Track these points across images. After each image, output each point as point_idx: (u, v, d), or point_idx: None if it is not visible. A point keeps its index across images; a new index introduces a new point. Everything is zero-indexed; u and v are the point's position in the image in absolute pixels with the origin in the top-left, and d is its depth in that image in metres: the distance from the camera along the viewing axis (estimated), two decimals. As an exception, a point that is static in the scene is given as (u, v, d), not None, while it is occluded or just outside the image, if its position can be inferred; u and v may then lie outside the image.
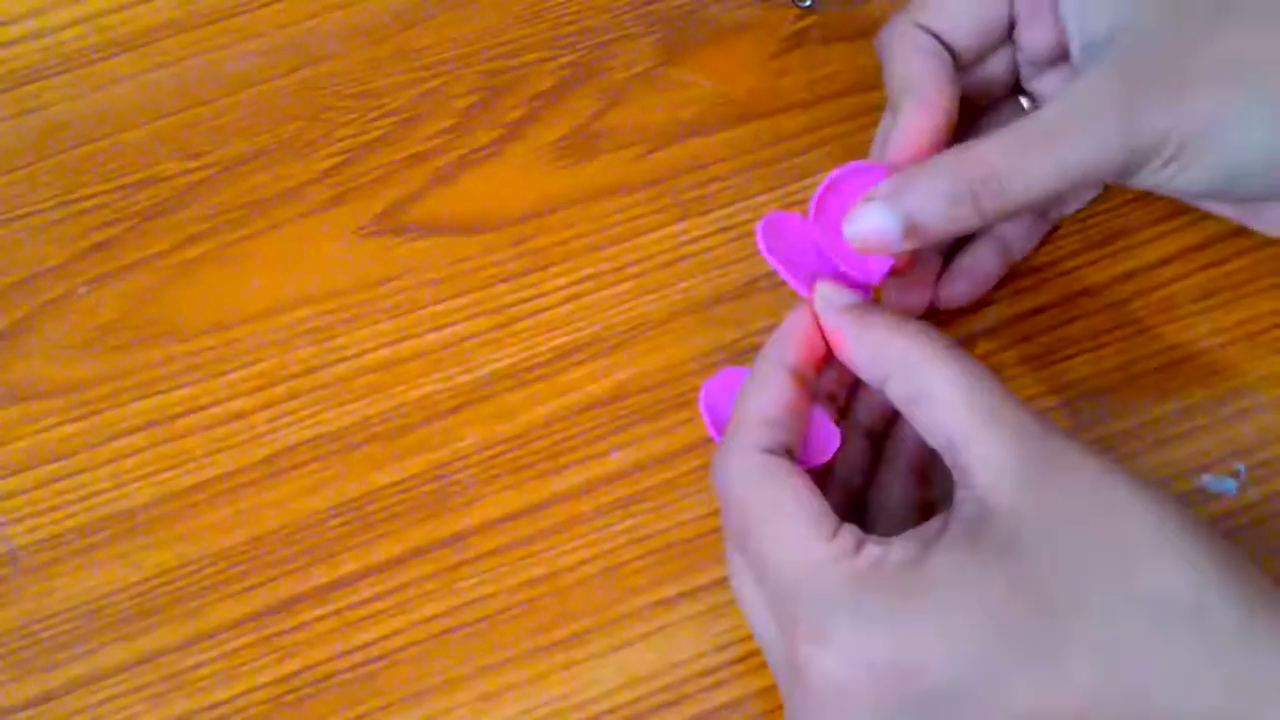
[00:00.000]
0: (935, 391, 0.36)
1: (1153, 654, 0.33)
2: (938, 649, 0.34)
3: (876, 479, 0.43)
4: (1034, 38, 0.44)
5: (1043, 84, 0.46)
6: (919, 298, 0.45)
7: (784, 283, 0.47)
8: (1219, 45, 0.39)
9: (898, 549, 0.35)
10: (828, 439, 0.40)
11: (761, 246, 0.40)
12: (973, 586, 0.34)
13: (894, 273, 0.42)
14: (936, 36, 0.44)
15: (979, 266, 0.46)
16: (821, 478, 0.37)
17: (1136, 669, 0.33)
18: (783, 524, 0.36)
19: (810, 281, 0.40)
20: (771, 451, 0.37)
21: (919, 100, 0.43)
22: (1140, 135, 0.39)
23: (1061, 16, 0.43)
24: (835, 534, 0.36)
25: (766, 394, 0.38)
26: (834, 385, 0.42)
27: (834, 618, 0.35)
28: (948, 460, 0.37)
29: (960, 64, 0.44)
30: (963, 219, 0.39)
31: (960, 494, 0.36)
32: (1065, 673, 0.33)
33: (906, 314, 0.39)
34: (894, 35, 0.44)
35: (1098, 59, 0.40)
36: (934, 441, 0.37)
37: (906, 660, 0.34)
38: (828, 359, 0.40)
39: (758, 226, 0.41)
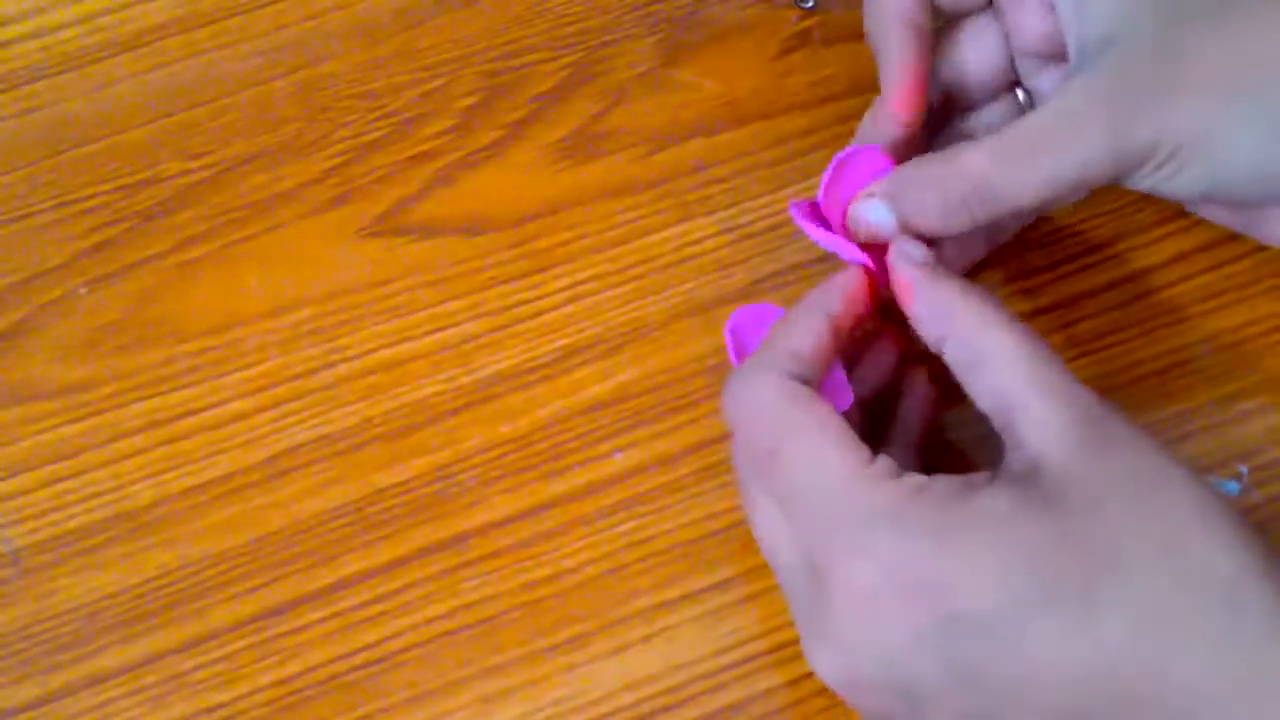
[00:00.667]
0: (995, 355, 0.37)
1: (1183, 624, 0.33)
2: (975, 579, 0.34)
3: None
4: (1022, 23, 0.44)
5: (1040, 81, 0.46)
6: None
7: (788, 283, 0.47)
8: (1213, 51, 0.39)
9: (941, 483, 0.36)
10: (842, 396, 0.41)
11: (806, 228, 0.42)
12: (1016, 529, 0.34)
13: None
14: None
15: (965, 246, 0.46)
16: None
17: (1165, 636, 0.33)
18: (819, 443, 0.37)
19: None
20: (797, 380, 0.38)
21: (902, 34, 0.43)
22: (1127, 145, 0.39)
23: (1057, 14, 0.43)
24: (872, 459, 0.36)
25: (802, 331, 0.39)
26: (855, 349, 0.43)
27: (874, 531, 0.35)
28: (998, 424, 0.37)
29: (941, 14, 0.45)
30: (957, 225, 0.40)
31: (1010, 455, 0.36)
32: (1096, 626, 0.33)
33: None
34: None
35: (1091, 62, 0.40)
36: (986, 404, 0.37)
37: (944, 581, 0.34)
38: (863, 322, 0.41)
39: (790, 208, 0.42)
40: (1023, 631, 0.34)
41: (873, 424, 0.43)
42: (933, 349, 0.39)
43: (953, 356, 0.38)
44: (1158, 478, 0.35)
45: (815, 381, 0.39)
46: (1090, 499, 0.34)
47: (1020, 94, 0.46)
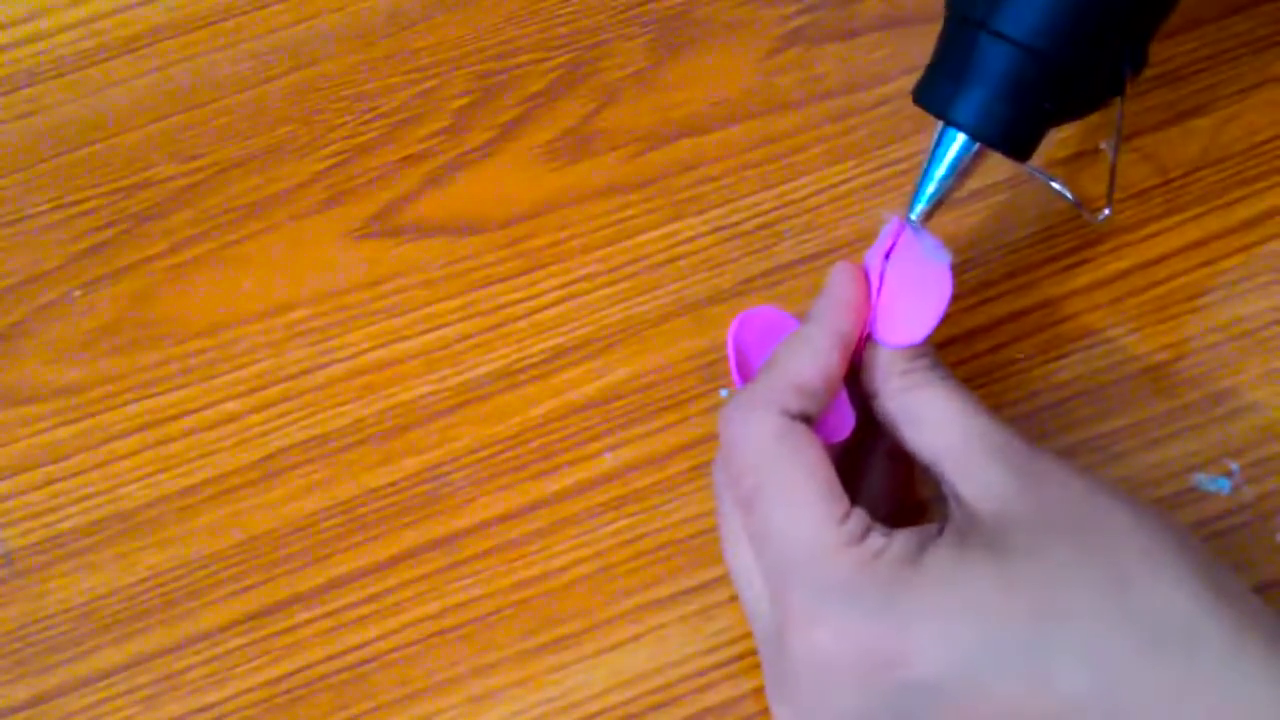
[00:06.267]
0: (923, 415, 0.37)
1: (1140, 670, 0.33)
2: (925, 644, 0.34)
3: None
4: None
5: None
6: None
7: (779, 281, 0.47)
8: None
9: (898, 544, 0.35)
10: (844, 420, 0.40)
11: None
12: (962, 585, 0.34)
13: None
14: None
15: None
16: None
17: (1122, 683, 0.33)
18: (797, 498, 0.36)
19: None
20: (796, 418, 0.37)
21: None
22: None
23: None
24: (846, 516, 0.36)
25: (812, 361, 0.38)
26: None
27: (829, 601, 0.35)
28: (938, 478, 0.37)
29: None
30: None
31: (952, 508, 0.36)
32: (1051, 677, 0.33)
33: None
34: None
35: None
36: (922, 458, 0.37)
37: (894, 651, 0.34)
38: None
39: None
40: (977, 688, 0.33)
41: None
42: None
43: (882, 413, 0.38)
44: (1102, 520, 0.35)
45: (817, 413, 0.38)
46: (1032, 545, 0.34)
47: None
